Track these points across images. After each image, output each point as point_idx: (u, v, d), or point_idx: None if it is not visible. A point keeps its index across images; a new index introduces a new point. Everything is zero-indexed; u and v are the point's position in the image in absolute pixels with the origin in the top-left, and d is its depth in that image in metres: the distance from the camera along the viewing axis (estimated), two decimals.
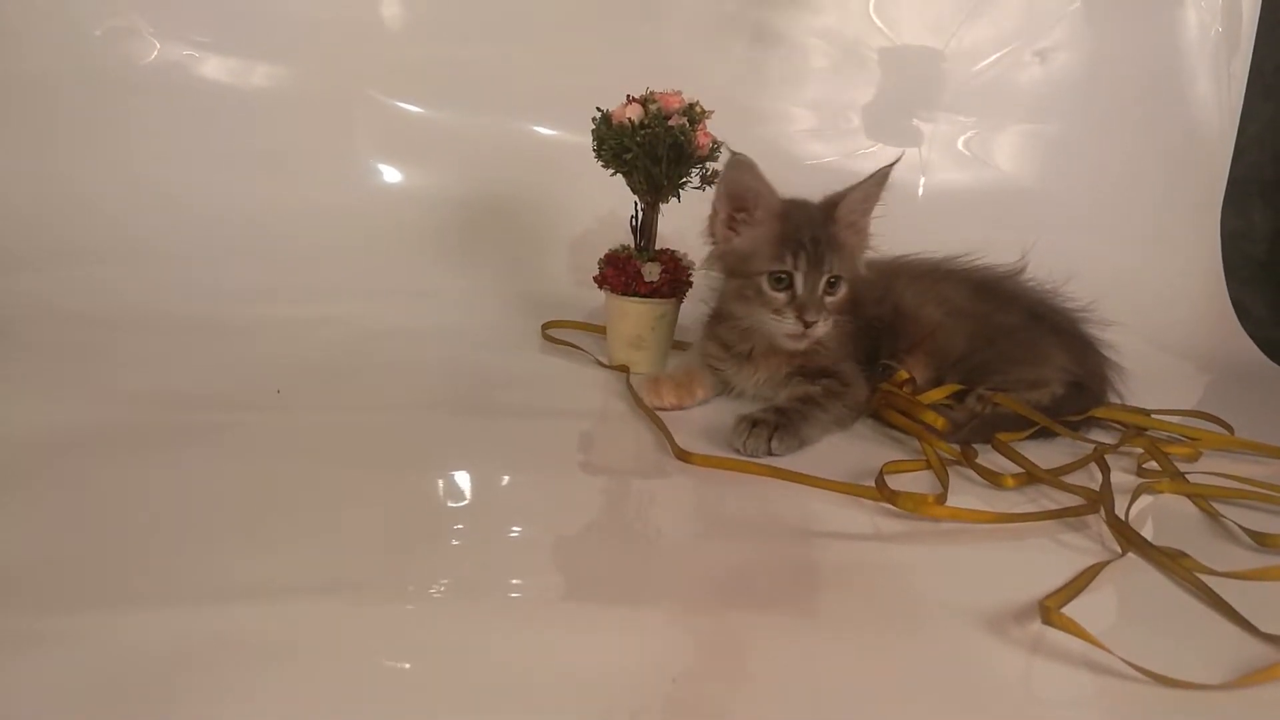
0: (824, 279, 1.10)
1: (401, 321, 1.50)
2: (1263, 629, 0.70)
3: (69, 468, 0.89)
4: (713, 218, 1.16)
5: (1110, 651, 0.64)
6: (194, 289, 1.51)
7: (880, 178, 1.13)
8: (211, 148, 1.68)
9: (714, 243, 1.17)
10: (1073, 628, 0.66)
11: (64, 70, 1.63)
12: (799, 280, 1.10)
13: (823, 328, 1.10)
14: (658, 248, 1.35)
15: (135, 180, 1.63)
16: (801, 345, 1.12)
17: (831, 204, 1.13)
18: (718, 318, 1.24)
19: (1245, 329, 1.81)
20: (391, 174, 1.76)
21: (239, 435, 1.01)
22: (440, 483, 0.94)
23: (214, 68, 1.69)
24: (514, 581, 0.73)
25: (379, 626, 0.66)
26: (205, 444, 0.98)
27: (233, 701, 0.57)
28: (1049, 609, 0.68)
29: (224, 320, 1.43)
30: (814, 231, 1.10)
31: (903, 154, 1.24)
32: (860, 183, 1.13)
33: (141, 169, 1.64)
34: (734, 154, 1.10)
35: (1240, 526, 0.90)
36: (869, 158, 1.87)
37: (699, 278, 1.33)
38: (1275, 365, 1.73)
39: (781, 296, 1.10)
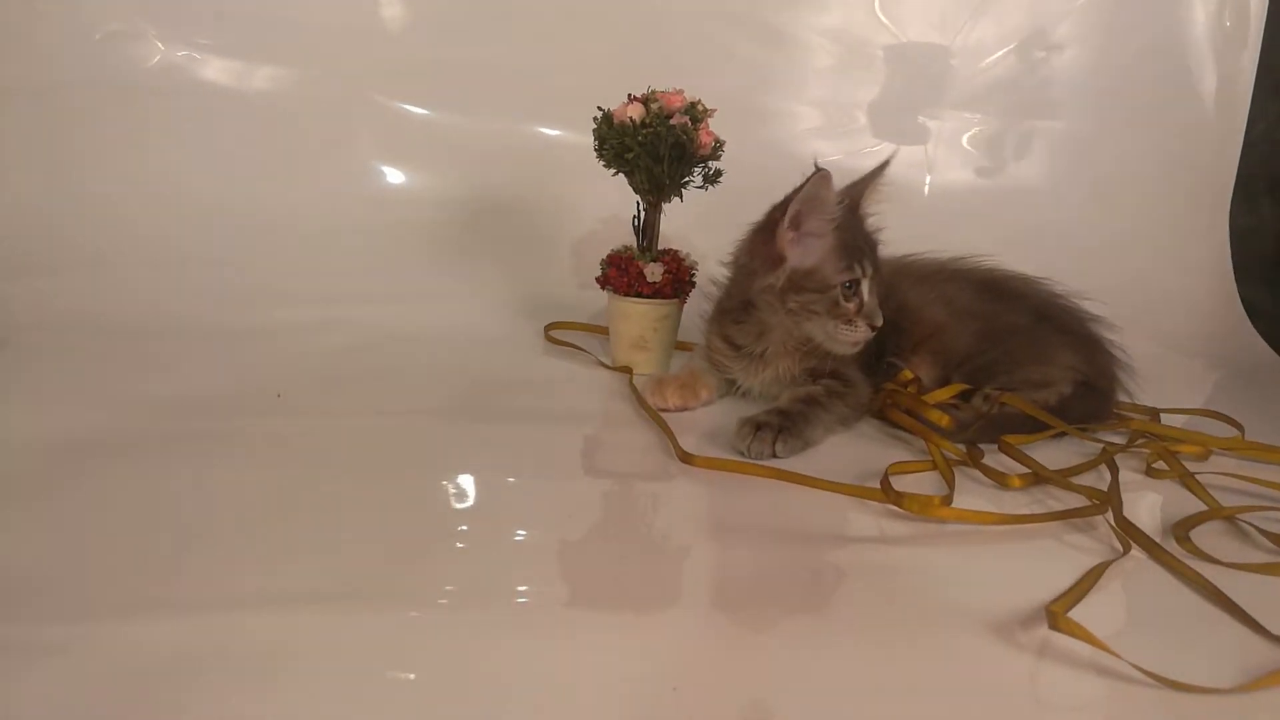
0: (876, 260, 1.12)
1: (404, 324, 1.49)
2: (1273, 631, 0.69)
3: (71, 475, 0.89)
4: (780, 236, 1.09)
5: (1118, 656, 0.63)
6: (196, 292, 1.51)
7: (879, 171, 1.15)
8: (214, 151, 1.68)
9: (776, 263, 1.10)
10: (1080, 632, 0.65)
11: (67, 74, 1.63)
12: (865, 287, 1.09)
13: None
14: (660, 248, 1.34)
15: (137, 184, 1.63)
16: (855, 350, 1.12)
17: (854, 202, 1.13)
18: (723, 314, 1.22)
19: (1255, 326, 1.80)
20: (395, 176, 1.75)
21: (242, 442, 1.00)
22: (444, 487, 0.93)
23: (216, 70, 1.68)
24: (519, 588, 0.73)
25: (384, 634, 0.65)
26: (208, 451, 0.97)
27: (237, 712, 0.56)
28: (1055, 614, 0.67)
29: (226, 324, 1.43)
30: (862, 234, 1.12)
31: (896, 150, 1.23)
32: (867, 177, 1.15)
33: (143, 173, 1.64)
34: (819, 169, 1.04)
35: (1255, 527, 0.89)
36: (875, 156, 1.85)
37: (703, 276, 1.32)
38: None
39: (852, 306, 1.09)
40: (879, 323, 1.09)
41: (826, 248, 1.09)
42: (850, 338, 1.09)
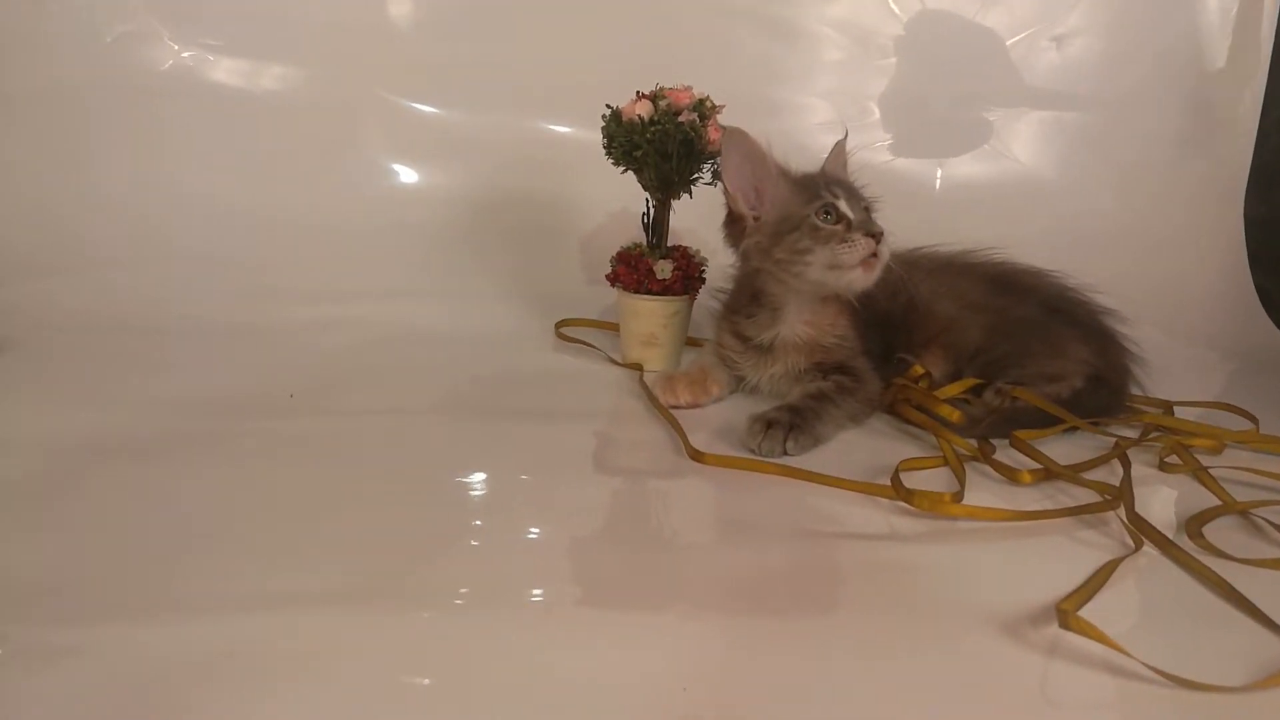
0: (863, 204, 1.12)
1: (416, 322, 1.50)
2: None
3: (81, 476, 0.90)
4: (730, 199, 1.15)
5: (1129, 655, 0.63)
6: (207, 292, 1.52)
7: (840, 147, 1.22)
8: (223, 151, 1.68)
9: (752, 222, 1.14)
10: (1091, 631, 0.65)
11: (78, 75, 1.64)
12: (844, 205, 1.09)
13: (887, 249, 1.08)
14: (670, 244, 1.34)
15: (147, 184, 1.64)
16: (874, 275, 1.08)
17: (822, 169, 1.19)
18: (733, 309, 1.23)
19: (1269, 316, 1.78)
20: (404, 173, 1.76)
21: (255, 442, 1.01)
22: (457, 485, 0.94)
23: (225, 71, 1.69)
24: (534, 587, 0.73)
25: (400, 636, 0.65)
26: (220, 451, 0.98)
27: (248, 716, 0.56)
28: (1066, 613, 0.67)
29: (237, 323, 1.44)
30: (829, 177, 1.15)
31: (847, 132, 1.26)
32: (828, 157, 1.21)
33: (153, 173, 1.65)
34: (726, 128, 1.12)
35: (1269, 522, 0.88)
36: (884, 151, 1.86)
37: (713, 271, 1.32)
38: None
39: (839, 227, 1.08)
40: (878, 229, 1.08)
41: (784, 194, 1.12)
42: (854, 254, 1.06)
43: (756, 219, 1.14)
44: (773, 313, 1.17)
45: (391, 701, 0.58)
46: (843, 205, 1.09)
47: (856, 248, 1.06)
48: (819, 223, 1.08)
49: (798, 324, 1.16)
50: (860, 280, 1.09)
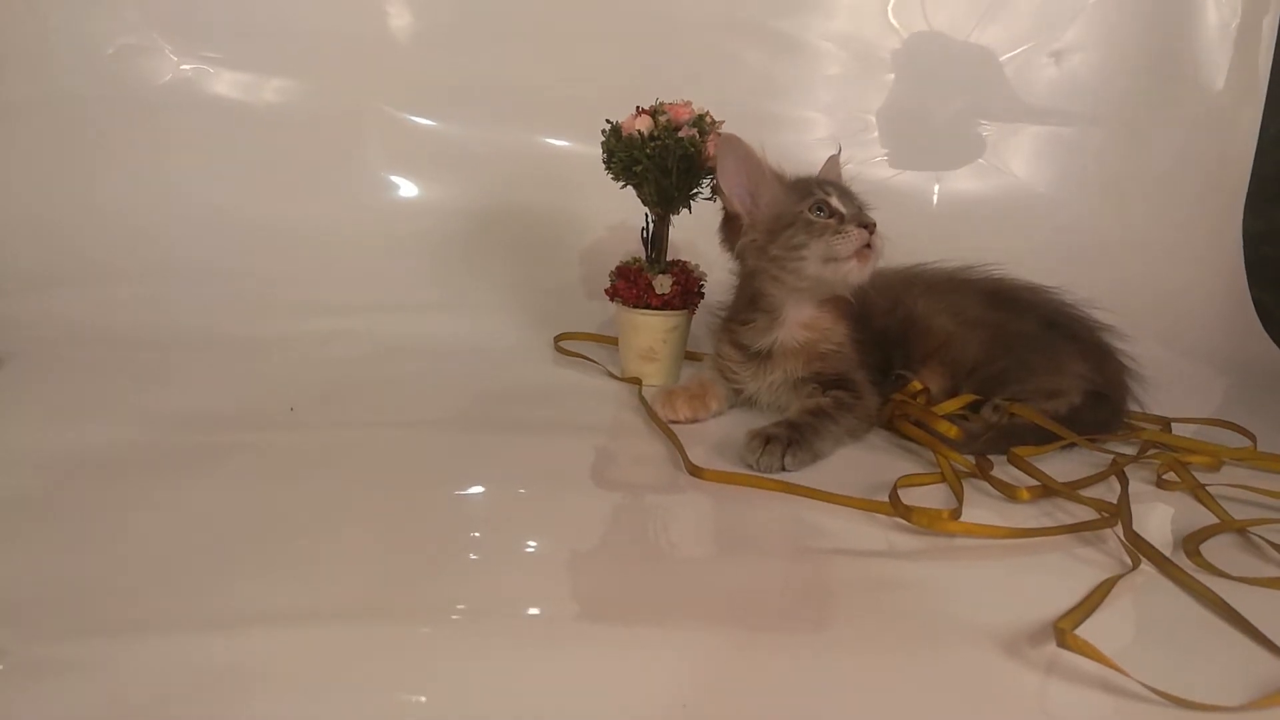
0: (855, 203, 1.14)
1: (414, 335, 1.50)
2: None
3: (80, 491, 0.90)
4: (726, 200, 1.17)
5: (1127, 674, 0.63)
6: (207, 305, 1.52)
7: (834, 160, 1.25)
8: (224, 164, 1.69)
9: (744, 224, 1.16)
10: (1088, 650, 0.65)
11: (79, 88, 1.65)
12: (836, 201, 1.11)
13: (881, 240, 1.10)
14: (669, 259, 1.34)
15: (147, 197, 1.64)
16: (869, 267, 1.10)
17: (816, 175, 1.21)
18: (731, 318, 1.23)
19: (1267, 332, 1.79)
20: (404, 187, 1.76)
21: (253, 455, 1.01)
22: (456, 498, 0.94)
23: (226, 83, 1.70)
24: (531, 602, 0.73)
25: (396, 652, 0.65)
26: (219, 465, 0.98)
27: None
28: (1063, 631, 0.67)
29: (237, 336, 1.44)
30: (823, 180, 1.17)
31: (840, 146, 1.29)
32: (821, 170, 1.23)
33: (153, 185, 1.65)
34: (724, 135, 1.15)
35: (1267, 541, 0.89)
36: (882, 164, 1.87)
37: (712, 286, 1.32)
38: None
39: (832, 220, 1.10)
40: (870, 221, 1.10)
41: (778, 194, 1.15)
42: (847, 244, 1.08)
43: (740, 219, 1.16)
44: (770, 317, 1.17)
45: (388, 718, 0.58)
46: (835, 201, 1.11)
47: (850, 238, 1.08)
48: (813, 217, 1.10)
49: (795, 327, 1.17)
50: (856, 273, 1.10)
